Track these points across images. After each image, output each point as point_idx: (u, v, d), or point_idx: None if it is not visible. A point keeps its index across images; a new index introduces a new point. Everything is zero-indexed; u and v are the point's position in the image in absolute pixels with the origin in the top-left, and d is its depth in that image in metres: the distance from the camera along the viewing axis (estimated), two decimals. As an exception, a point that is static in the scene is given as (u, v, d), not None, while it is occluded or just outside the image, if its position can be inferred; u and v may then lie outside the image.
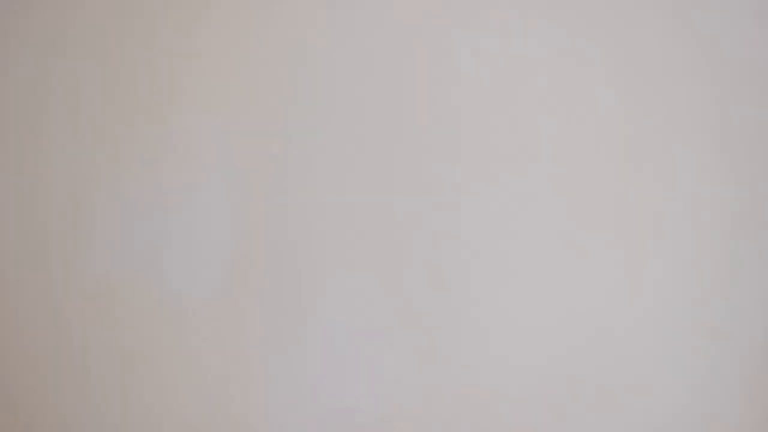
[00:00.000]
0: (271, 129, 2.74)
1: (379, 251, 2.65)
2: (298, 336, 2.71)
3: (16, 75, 2.97)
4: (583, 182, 2.52)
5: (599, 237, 2.51)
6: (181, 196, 2.81)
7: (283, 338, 2.72)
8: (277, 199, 2.72)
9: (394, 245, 2.64)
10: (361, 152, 2.67)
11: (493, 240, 2.57)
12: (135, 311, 2.84)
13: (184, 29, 2.81)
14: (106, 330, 2.86)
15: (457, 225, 2.59)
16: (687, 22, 2.47)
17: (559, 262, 2.53)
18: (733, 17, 2.44)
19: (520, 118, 2.57)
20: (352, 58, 2.68)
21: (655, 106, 2.49)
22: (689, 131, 2.47)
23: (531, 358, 2.54)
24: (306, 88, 2.72)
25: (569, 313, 2.52)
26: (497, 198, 2.57)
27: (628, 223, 2.49)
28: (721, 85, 2.45)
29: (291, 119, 2.73)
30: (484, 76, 2.59)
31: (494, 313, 2.57)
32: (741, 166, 2.44)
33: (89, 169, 2.89)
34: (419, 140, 2.63)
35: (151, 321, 2.83)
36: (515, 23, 2.58)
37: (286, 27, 2.73)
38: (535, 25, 2.56)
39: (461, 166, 2.60)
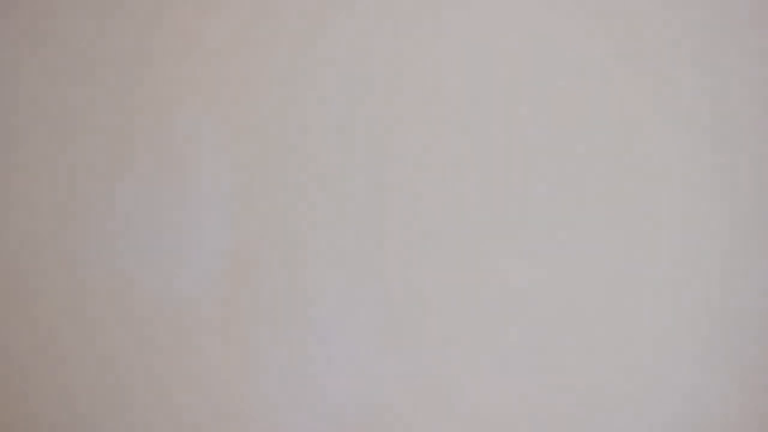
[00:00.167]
0: (268, 130, 2.74)
1: (377, 251, 2.64)
2: (295, 336, 2.71)
3: (14, 76, 2.98)
4: (580, 183, 2.52)
5: (596, 237, 2.50)
6: (178, 197, 2.81)
7: (281, 338, 2.72)
8: (275, 199, 2.72)
9: (392, 245, 2.63)
10: (358, 153, 2.66)
11: (491, 239, 2.57)
12: (133, 312, 2.84)
13: (182, 30, 2.81)
14: (104, 331, 2.87)
15: (454, 225, 2.59)
16: (685, 17, 2.46)
17: (555, 262, 2.52)
18: (732, 14, 2.43)
19: (517, 118, 2.56)
20: (349, 58, 2.67)
21: (652, 105, 2.48)
22: (686, 129, 2.46)
23: (528, 357, 2.54)
24: (303, 89, 2.71)
25: (566, 314, 2.52)
26: (494, 197, 2.57)
27: (627, 223, 2.49)
28: (719, 82, 2.44)
29: (288, 120, 2.73)
30: (480, 75, 2.59)
31: (492, 312, 2.57)
32: (739, 164, 2.43)
33: (86, 170, 2.89)
34: (416, 140, 2.62)
35: (148, 322, 2.83)
36: (513, 23, 2.57)
37: (284, 28, 2.73)
38: (531, 24, 2.55)
39: (457, 166, 2.60)
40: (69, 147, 2.91)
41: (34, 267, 2.94)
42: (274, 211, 2.73)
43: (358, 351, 2.67)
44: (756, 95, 2.42)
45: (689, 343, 2.45)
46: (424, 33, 2.63)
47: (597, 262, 2.50)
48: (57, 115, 2.93)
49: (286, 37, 2.73)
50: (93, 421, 2.89)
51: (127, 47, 2.86)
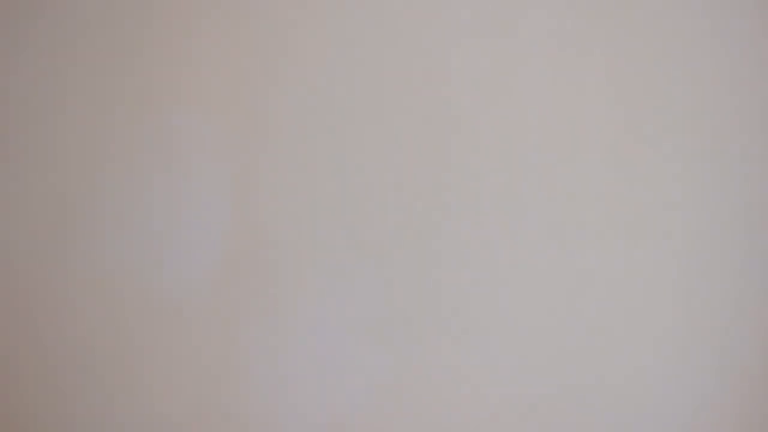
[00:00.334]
0: (263, 129, 2.74)
1: (370, 251, 2.64)
2: (289, 334, 2.71)
3: (10, 77, 2.97)
4: (577, 183, 2.52)
5: (594, 236, 2.50)
6: (174, 195, 2.80)
7: (274, 336, 2.72)
8: (269, 198, 2.72)
9: (385, 246, 2.63)
10: (353, 152, 2.66)
11: (484, 240, 2.57)
12: (128, 309, 2.84)
13: (178, 31, 2.81)
14: (99, 327, 2.86)
15: (449, 225, 2.59)
16: (681, 21, 2.47)
17: (552, 262, 2.52)
18: (728, 17, 2.44)
19: (514, 119, 2.56)
20: (346, 59, 2.67)
21: (648, 106, 2.48)
22: (683, 131, 2.47)
23: (522, 359, 2.54)
24: (299, 88, 2.71)
25: (562, 315, 2.52)
26: (489, 197, 2.57)
27: (624, 223, 2.49)
28: (714, 85, 2.44)
29: (283, 120, 2.73)
30: (477, 77, 2.59)
31: (485, 314, 2.57)
32: (739, 166, 2.44)
33: (83, 169, 2.88)
34: (412, 141, 2.62)
35: (142, 319, 2.82)
36: (512, 22, 2.57)
37: (281, 28, 2.73)
38: (530, 25, 2.55)
39: (452, 166, 2.60)
40: (64, 145, 2.90)
41: (27, 264, 2.93)
42: (267, 211, 2.73)
43: (349, 351, 2.66)
44: (756, 96, 2.43)
45: (689, 343, 2.45)
46: (421, 34, 2.63)
47: (597, 262, 2.50)
48: (52, 115, 2.92)
49: (281, 38, 2.73)
50: (88, 416, 2.88)
51: (124, 46, 2.86)
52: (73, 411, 2.88)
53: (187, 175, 2.79)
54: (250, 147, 2.74)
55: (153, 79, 2.82)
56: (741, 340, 2.42)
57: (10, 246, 2.94)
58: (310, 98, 2.70)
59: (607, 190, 2.50)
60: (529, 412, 2.53)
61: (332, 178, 2.67)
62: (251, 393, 2.73)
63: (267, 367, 2.72)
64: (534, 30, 2.54)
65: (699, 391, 2.44)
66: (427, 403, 2.60)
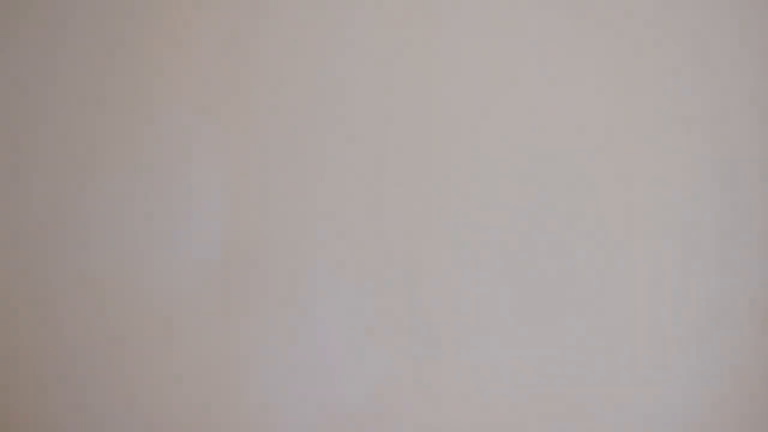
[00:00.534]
0: (261, 127, 2.74)
1: (371, 249, 2.64)
2: (288, 332, 2.71)
3: (8, 74, 2.96)
4: (576, 183, 2.52)
5: (593, 236, 2.51)
6: (172, 192, 2.80)
7: (273, 334, 2.72)
8: (268, 196, 2.72)
9: (386, 243, 2.63)
10: (352, 150, 2.66)
11: (484, 240, 2.57)
12: (126, 307, 2.83)
13: (176, 31, 2.81)
14: (97, 325, 2.86)
15: (448, 224, 2.59)
16: (680, 19, 2.47)
17: (551, 262, 2.52)
18: (726, 17, 2.44)
19: (513, 119, 2.56)
20: (344, 59, 2.67)
21: (648, 107, 2.48)
22: (682, 131, 2.47)
23: (522, 359, 2.54)
24: (297, 88, 2.71)
25: (561, 315, 2.52)
26: (488, 197, 2.57)
27: (624, 223, 2.49)
28: (714, 84, 2.44)
29: (281, 117, 2.72)
30: (476, 77, 2.59)
31: (484, 314, 2.57)
32: (738, 166, 2.44)
33: (81, 167, 2.88)
34: (411, 140, 2.62)
35: (141, 317, 2.82)
36: (510, 21, 2.57)
37: (278, 27, 2.73)
38: (528, 24, 2.55)
39: (451, 166, 2.59)
40: (61, 144, 2.90)
41: (25, 263, 2.92)
42: (266, 208, 2.72)
43: (349, 348, 2.66)
44: (756, 97, 2.43)
45: (689, 343, 2.45)
46: (418, 31, 2.63)
47: (596, 262, 2.50)
48: (49, 113, 2.92)
49: (279, 37, 2.73)
50: (85, 414, 2.87)
51: (121, 46, 2.85)
52: (71, 409, 2.88)
53: (185, 174, 2.79)
54: (248, 146, 2.74)
55: (150, 78, 2.82)
56: (741, 339, 2.43)
57: (8, 244, 2.94)
58: (308, 98, 2.70)
59: (607, 190, 2.50)
60: (529, 412, 2.53)
61: (330, 176, 2.67)
62: (250, 392, 2.73)
63: (265, 366, 2.72)
64: (533, 29, 2.54)
65: (699, 391, 2.44)
66: (427, 401, 2.60)
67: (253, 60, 2.74)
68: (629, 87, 2.49)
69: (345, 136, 2.67)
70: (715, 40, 2.44)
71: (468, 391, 2.57)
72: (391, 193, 2.63)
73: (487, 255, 2.57)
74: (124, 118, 2.84)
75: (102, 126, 2.86)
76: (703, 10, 2.45)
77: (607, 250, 2.49)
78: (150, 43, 2.82)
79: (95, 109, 2.87)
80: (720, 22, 2.43)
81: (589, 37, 2.51)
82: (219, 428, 2.75)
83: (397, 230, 2.63)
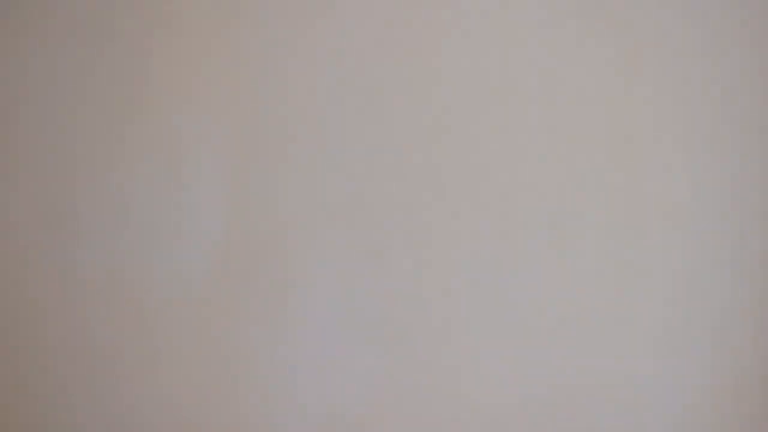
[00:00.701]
0: (257, 125, 2.73)
1: (369, 251, 2.64)
2: (288, 332, 2.70)
3: (9, 78, 2.96)
4: (580, 184, 2.52)
5: (592, 236, 2.50)
6: (168, 191, 2.79)
7: (273, 334, 2.71)
8: (264, 195, 2.71)
9: (381, 244, 2.63)
10: (351, 153, 2.66)
11: (482, 240, 2.57)
12: (127, 307, 2.83)
13: (173, 28, 2.80)
14: (93, 324, 2.85)
15: (446, 225, 2.59)
16: (685, 18, 2.46)
17: (550, 262, 2.52)
18: (730, 16, 2.44)
19: (513, 118, 2.56)
20: (345, 60, 2.67)
21: (648, 104, 2.48)
22: (682, 129, 2.47)
23: (520, 358, 2.53)
24: (298, 90, 2.71)
25: (559, 314, 2.51)
26: (486, 198, 2.56)
27: (623, 222, 2.49)
28: (715, 83, 2.44)
29: (282, 120, 2.72)
30: (476, 72, 2.58)
31: (483, 314, 2.56)
32: (738, 166, 2.44)
33: (77, 166, 2.87)
34: (411, 142, 2.62)
35: (141, 317, 2.82)
36: (509, 21, 2.57)
37: (282, 31, 2.72)
38: (529, 21, 2.55)
39: (449, 166, 2.59)
40: (62, 145, 2.89)
41: (25, 264, 2.92)
42: (262, 207, 2.72)
43: (343, 349, 2.66)
44: (756, 94, 2.42)
45: (688, 343, 2.45)
46: (415, 29, 2.63)
47: (595, 262, 2.50)
48: (46, 112, 2.91)
49: (275, 35, 2.73)
50: (82, 413, 2.87)
51: (124, 48, 2.85)
52: (71, 408, 2.87)
53: (186, 175, 2.79)
54: (249, 147, 2.74)
55: (153, 80, 2.81)
56: (740, 339, 2.42)
57: (9, 245, 2.93)
58: (309, 99, 2.69)
59: (605, 190, 2.49)
60: (527, 411, 2.53)
61: (330, 178, 2.67)
62: (250, 391, 2.72)
63: (266, 365, 2.71)
64: (532, 28, 2.54)
65: (698, 391, 2.44)
66: (425, 401, 2.60)
67: (253, 61, 2.74)
68: (628, 87, 2.48)
69: (344, 136, 2.66)
70: (716, 40, 2.44)
71: (467, 390, 2.57)
72: (388, 196, 2.62)
73: (485, 256, 2.56)
74: (124, 118, 2.84)
75: (101, 126, 2.86)
76: (705, 9, 2.44)
77: (607, 250, 2.48)
78: (150, 44, 2.82)
79: (97, 112, 2.86)
80: (721, 23, 2.43)
81: (587, 35, 2.51)
82: (217, 428, 2.74)
83: (398, 231, 2.62)
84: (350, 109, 2.66)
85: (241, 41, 2.75)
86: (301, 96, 2.70)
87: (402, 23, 2.63)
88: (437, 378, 2.59)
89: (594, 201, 2.49)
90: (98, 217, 2.85)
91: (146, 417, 2.80)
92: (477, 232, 2.56)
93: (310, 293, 2.68)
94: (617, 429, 2.48)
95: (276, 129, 2.72)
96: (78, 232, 2.86)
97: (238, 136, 2.74)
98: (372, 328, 2.63)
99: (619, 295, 2.48)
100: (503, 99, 2.55)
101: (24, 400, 2.91)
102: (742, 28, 2.42)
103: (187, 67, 2.79)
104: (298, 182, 2.69)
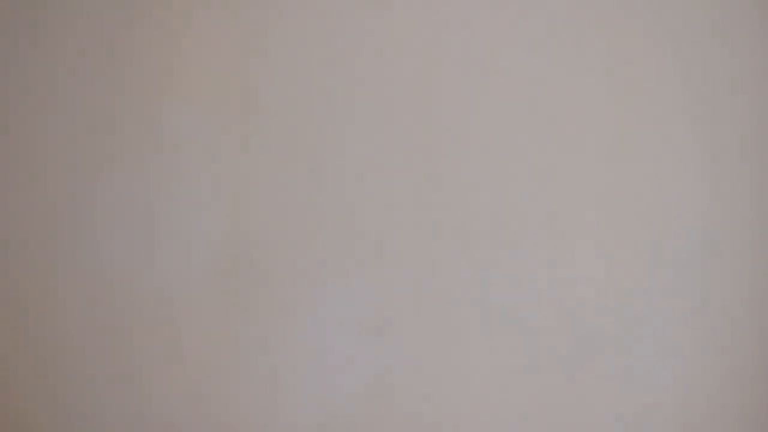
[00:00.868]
0: (257, 125, 2.73)
1: (365, 250, 2.64)
2: (284, 332, 2.71)
3: (9, 74, 2.96)
4: (573, 182, 2.52)
5: (590, 236, 2.51)
6: (168, 191, 2.80)
7: (270, 334, 2.72)
8: (264, 195, 2.72)
9: (380, 244, 2.63)
10: (347, 151, 2.66)
11: (480, 240, 2.57)
12: (122, 308, 2.83)
13: (174, 26, 2.80)
14: (92, 323, 2.85)
15: (444, 225, 2.59)
16: (680, 18, 2.46)
17: (547, 261, 2.53)
18: (722, 19, 2.44)
19: (511, 118, 2.56)
20: (340, 58, 2.67)
21: (642, 104, 2.48)
22: (675, 130, 2.47)
23: (518, 357, 2.54)
24: (292, 88, 2.71)
25: (557, 314, 2.52)
26: (485, 196, 2.57)
27: (622, 222, 2.49)
28: (715, 83, 2.44)
29: (277, 119, 2.72)
30: (475, 74, 2.58)
31: (481, 314, 2.57)
32: (737, 166, 2.44)
33: (76, 166, 2.87)
34: (408, 140, 2.62)
35: (137, 317, 2.82)
36: (508, 22, 2.57)
37: (275, 28, 2.72)
38: (528, 22, 2.55)
39: (449, 167, 2.59)
40: (56, 144, 2.90)
41: (21, 263, 2.92)
42: (262, 207, 2.72)
43: (346, 349, 2.66)
44: (755, 94, 2.42)
45: (686, 342, 2.45)
46: (417, 29, 2.63)
47: (593, 262, 2.50)
48: (45, 111, 2.91)
49: (274, 34, 2.73)
50: (79, 412, 2.87)
51: (116, 45, 2.85)
52: (71, 408, 2.88)
53: (181, 174, 2.79)
54: (244, 145, 2.74)
55: (146, 78, 2.81)
56: (740, 339, 2.43)
57: (8, 245, 2.94)
58: (304, 98, 2.69)
59: (604, 190, 2.50)
60: (526, 411, 2.53)
61: (326, 177, 2.67)
62: (249, 391, 2.73)
63: (262, 365, 2.72)
64: (530, 29, 2.54)
65: (696, 390, 2.45)
66: (424, 400, 2.60)
67: (255, 61, 2.74)
68: (626, 86, 2.48)
69: (343, 136, 2.66)
70: (715, 38, 2.44)
71: (464, 390, 2.57)
72: (388, 194, 2.62)
73: (483, 256, 2.57)
74: (125, 119, 2.84)
75: (103, 127, 2.86)
76: (704, 8, 2.44)
77: (606, 250, 2.49)
78: (152, 44, 2.82)
79: (90, 110, 2.86)
80: (721, 19, 2.43)
81: (586, 34, 2.51)
82: (216, 427, 2.75)
83: (395, 230, 2.62)
84: (350, 109, 2.66)
85: (241, 41, 2.74)
86: (301, 96, 2.70)
87: (400, 25, 2.63)
88: (439, 378, 2.59)
89: (593, 201, 2.49)
90: (99, 218, 2.85)
91: (146, 416, 2.81)
92: (476, 232, 2.56)
93: (310, 293, 2.68)
94: (616, 428, 2.48)
95: (276, 129, 2.72)
96: (77, 232, 2.87)
97: (238, 135, 2.74)
98: (374, 326, 2.63)
99: (618, 295, 2.48)
100: (502, 100, 2.55)
101: (23, 400, 2.92)
102: (741, 29, 2.42)
103: (187, 66, 2.78)
104: (298, 182, 2.69)
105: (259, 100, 2.73)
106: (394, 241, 2.62)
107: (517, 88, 2.55)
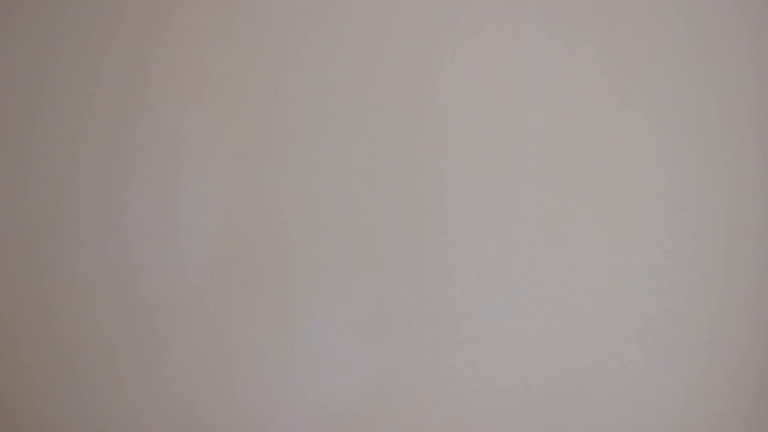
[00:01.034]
0: (253, 124, 2.73)
1: (365, 251, 2.64)
2: (280, 332, 2.70)
3: (3, 74, 2.96)
4: (571, 181, 2.52)
5: (588, 235, 2.50)
6: (163, 191, 2.80)
7: (264, 334, 2.71)
8: (260, 195, 2.71)
9: (378, 243, 2.63)
10: (348, 152, 2.66)
11: (478, 240, 2.57)
12: (117, 306, 2.83)
13: (167, 24, 2.80)
14: (87, 325, 2.85)
15: (442, 225, 2.59)
16: (678, 18, 2.46)
17: (546, 261, 2.52)
18: (722, 19, 2.44)
19: (510, 118, 2.56)
20: (342, 58, 2.67)
21: (646, 106, 2.48)
22: (675, 130, 2.47)
23: (516, 357, 2.54)
24: (294, 88, 2.71)
25: (555, 314, 2.51)
26: (483, 197, 2.56)
27: (615, 220, 2.49)
28: (713, 84, 2.44)
29: (274, 115, 2.72)
30: (475, 75, 2.58)
31: (479, 314, 2.56)
32: (736, 167, 2.43)
33: (71, 165, 2.87)
34: (409, 141, 2.62)
35: (137, 318, 2.82)
36: (508, 23, 2.57)
37: (277, 29, 2.72)
38: (528, 24, 2.55)
39: (449, 168, 2.59)
40: (51, 143, 2.90)
41: (19, 264, 2.92)
42: (258, 208, 2.72)
43: (341, 349, 2.66)
44: (753, 93, 2.42)
45: (685, 342, 2.45)
46: (412, 29, 2.63)
47: (592, 262, 2.50)
48: (40, 110, 2.91)
49: (280, 37, 2.73)
50: (75, 414, 2.87)
51: (112, 41, 2.85)
52: (68, 409, 2.87)
53: (182, 174, 2.79)
54: (246, 147, 2.74)
55: (148, 78, 2.81)
56: (737, 339, 2.42)
57: (6, 244, 2.94)
58: (305, 99, 2.69)
59: (604, 191, 2.49)
60: (525, 410, 2.53)
61: (327, 178, 2.67)
62: (249, 390, 2.73)
63: (265, 365, 2.72)
64: (530, 31, 2.54)
65: (695, 390, 2.44)
66: (422, 400, 2.60)
67: (251, 59, 2.74)
68: (625, 86, 2.48)
69: (345, 137, 2.66)
70: (714, 38, 2.44)
71: (463, 389, 2.57)
72: (388, 196, 2.62)
73: (481, 256, 2.56)
74: (122, 118, 2.84)
75: (99, 125, 2.86)
76: (704, 8, 2.44)
77: (607, 251, 2.49)
78: (147, 43, 2.82)
79: (93, 108, 2.86)
80: (719, 23, 2.43)
81: (584, 33, 2.51)
82: (216, 427, 2.75)
83: (394, 231, 2.62)
84: (350, 109, 2.66)
85: (241, 40, 2.75)
86: (300, 96, 2.70)
87: (402, 26, 2.63)
88: (437, 378, 2.59)
89: (592, 202, 2.49)
90: (96, 216, 2.85)
91: (145, 416, 2.81)
92: (476, 232, 2.56)
93: (310, 292, 2.68)
94: (615, 428, 2.48)
95: (276, 128, 2.72)
96: (76, 232, 2.86)
97: (238, 135, 2.74)
98: (372, 327, 2.63)
99: (617, 295, 2.48)
100: (502, 101, 2.55)
101: (22, 400, 2.91)
102: (740, 30, 2.42)
103: (187, 66, 2.79)
104: (297, 181, 2.69)
105: (260, 100, 2.73)
106: (394, 241, 2.61)
107: (518, 89, 2.54)
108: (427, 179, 2.59)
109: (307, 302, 2.68)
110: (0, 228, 2.94)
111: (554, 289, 2.51)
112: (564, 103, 2.51)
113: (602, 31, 2.49)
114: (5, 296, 2.93)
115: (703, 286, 2.43)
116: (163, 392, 2.79)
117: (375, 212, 2.63)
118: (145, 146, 2.81)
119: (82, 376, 2.86)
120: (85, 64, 2.87)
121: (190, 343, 2.77)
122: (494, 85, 2.56)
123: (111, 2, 2.85)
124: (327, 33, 2.68)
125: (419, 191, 2.60)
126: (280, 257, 2.70)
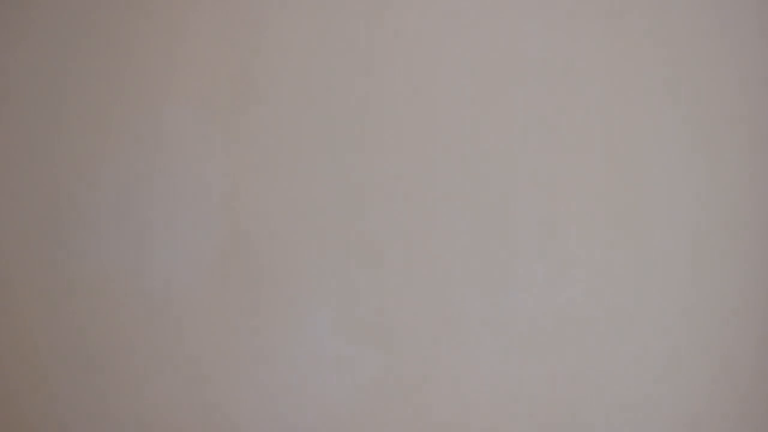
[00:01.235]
0: (257, 124, 2.74)
1: (363, 251, 2.64)
2: (282, 330, 2.71)
3: (7, 74, 2.97)
4: (579, 185, 2.52)
5: (586, 234, 2.51)
6: (168, 190, 2.80)
7: (267, 332, 2.72)
8: (264, 194, 2.72)
9: (380, 245, 2.63)
10: (346, 151, 2.66)
11: (477, 240, 2.57)
12: (120, 308, 2.84)
13: (173, 24, 2.81)
14: (92, 323, 2.86)
15: (443, 224, 2.59)
16: (678, 18, 2.46)
17: (545, 262, 2.53)
18: (720, 22, 2.44)
19: (509, 119, 2.56)
20: (338, 56, 2.67)
21: (647, 104, 2.48)
22: (681, 130, 2.47)
23: (515, 357, 2.54)
24: (291, 86, 2.71)
25: (555, 314, 2.52)
26: (483, 196, 2.57)
27: (619, 221, 2.49)
28: (716, 82, 2.44)
29: (277, 114, 2.73)
30: (474, 73, 2.59)
31: (479, 313, 2.57)
32: (735, 167, 2.44)
33: (77, 164, 2.88)
34: (407, 140, 2.62)
35: (135, 318, 2.82)
36: (508, 20, 2.57)
37: (273, 27, 2.73)
38: (528, 20, 2.55)
39: (448, 168, 2.60)
40: (56, 141, 2.90)
41: (19, 263, 2.93)
42: (262, 206, 2.73)
43: (342, 349, 2.66)
44: (754, 93, 2.42)
45: (685, 344, 2.45)
46: (421, 35, 2.63)
47: (595, 264, 2.50)
48: (44, 109, 2.92)
49: (276, 35, 2.73)
50: (80, 411, 2.88)
51: (117, 41, 2.86)
52: (69, 409, 2.88)
53: (179, 173, 2.79)
54: (242, 146, 2.74)
55: (144, 77, 2.82)
56: (740, 342, 2.43)
57: (5, 244, 2.94)
58: (302, 97, 2.70)
59: (604, 191, 2.50)
60: (525, 412, 2.53)
61: (324, 177, 2.68)
62: (249, 391, 2.73)
63: (265, 365, 2.72)
64: (531, 27, 2.54)
65: (695, 391, 2.44)
66: (422, 400, 2.60)
67: (253, 60, 2.74)
68: (624, 86, 2.49)
69: (342, 135, 2.67)
70: (713, 38, 2.44)
71: (462, 390, 2.57)
72: (388, 196, 2.63)
73: (480, 256, 2.57)
74: (124, 118, 2.84)
75: (98, 125, 2.86)
76: (704, 7, 2.44)
77: (606, 252, 2.49)
78: (151, 43, 2.83)
79: (88, 110, 2.87)
80: (721, 22, 2.43)
81: (584, 34, 2.51)
82: (216, 428, 2.75)
83: (392, 231, 2.63)
84: (350, 109, 2.66)
85: (238, 39, 2.75)
86: (299, 95, 2.70)
87: (400, 21, 2.63)
88: (437, 378, 2.59)
89: (592, 202, 2.49)
90: (95, 215, 2.85)
91: (145, 417, 2.81)
92: (475, 233, 2.57)
93: (309, 292, 2.68)
94: (615, 428, 2.48)
95: (275, 128, 2.72)
96: (75, 231, 2.87)
97: (236, 135, 2.75)
98: (371, 328, 2.64)
99: (617, 295, 2.48)
100: (501, 100, 2.56)
101: (22, 400, 2.92)
102: (741, 29, 2.42)
103: (187, 65, 2.79)
104: (296, 181, 2.69)
105: (260, 100, 2.73)
106: (394, 242, 2.62)
107: (517, 88, 2.55)
108: (426, 179, 2.60)
109: (308, 302, 2.69)
110: (3, 227, 2.94)
111: (554, 290, 2.51)
112: (564, 102, 2.51)
113: (603, 30, 2.49)
114: (12, 297, 2.94)
115: (704, 286, 2.43)
116: (163, 393, 2.79)
117: (375, 212, 2.63)
118: (146, 148, 2.81)
119: (79, 376, 2.86)
120: (86, 64, 2.87)
121: (190, 344, 2.77)
122: (494, 85, 2.56)
123: (119, 7, 2.86)
124: (327, 33, 2.68)
125: (419, 191, 2.60)
126: (280, 258, 2.70)
